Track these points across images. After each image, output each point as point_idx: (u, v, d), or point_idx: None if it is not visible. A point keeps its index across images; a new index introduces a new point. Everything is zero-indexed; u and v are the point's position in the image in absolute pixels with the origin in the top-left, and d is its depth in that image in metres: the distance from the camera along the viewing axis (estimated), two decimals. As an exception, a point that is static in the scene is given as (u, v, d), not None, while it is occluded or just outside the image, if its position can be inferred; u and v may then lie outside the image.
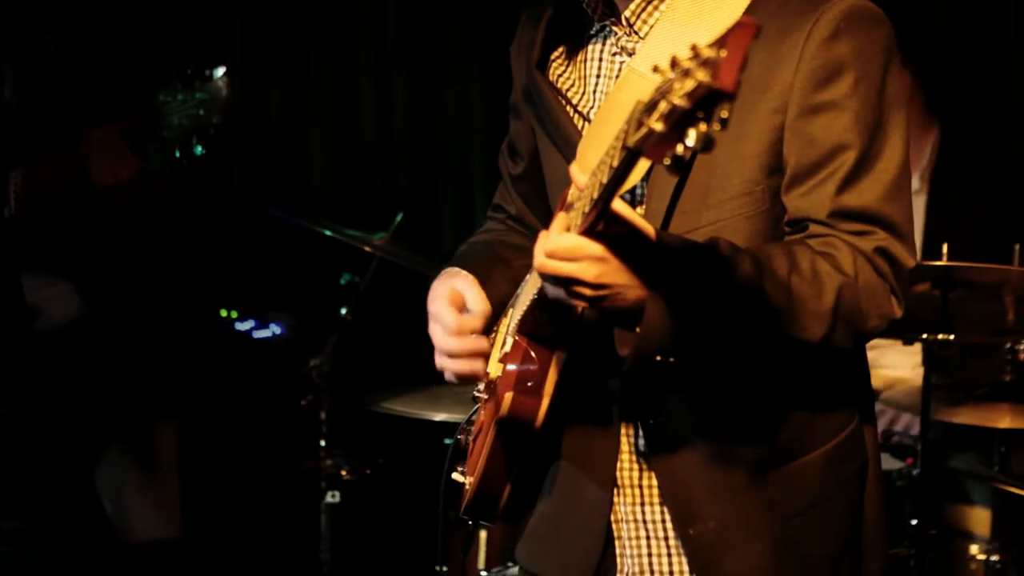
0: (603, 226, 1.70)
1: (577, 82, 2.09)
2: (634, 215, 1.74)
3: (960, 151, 4.01)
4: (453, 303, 2.08)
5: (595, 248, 1.71)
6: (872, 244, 1.87)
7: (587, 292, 1.74)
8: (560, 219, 1.78)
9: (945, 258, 3.19)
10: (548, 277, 1.76)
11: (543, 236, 1.77)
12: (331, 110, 5.04)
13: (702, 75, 1.40)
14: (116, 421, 4.18)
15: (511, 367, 1.96)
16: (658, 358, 1.80)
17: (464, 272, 2.16)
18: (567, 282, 1.74)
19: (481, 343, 2.05)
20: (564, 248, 1.72)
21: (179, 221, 4.24)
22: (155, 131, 3.44)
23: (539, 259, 1.75)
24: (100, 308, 3.75)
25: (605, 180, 1.61)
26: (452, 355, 2.05)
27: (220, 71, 3.36)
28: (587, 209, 1.68)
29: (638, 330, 1.77)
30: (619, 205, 1.69)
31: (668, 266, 1.76)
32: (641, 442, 2.03)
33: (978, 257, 3.32)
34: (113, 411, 4.08)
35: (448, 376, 2.08)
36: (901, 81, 1.94)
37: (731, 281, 1.78)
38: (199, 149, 3.44)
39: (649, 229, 1.75)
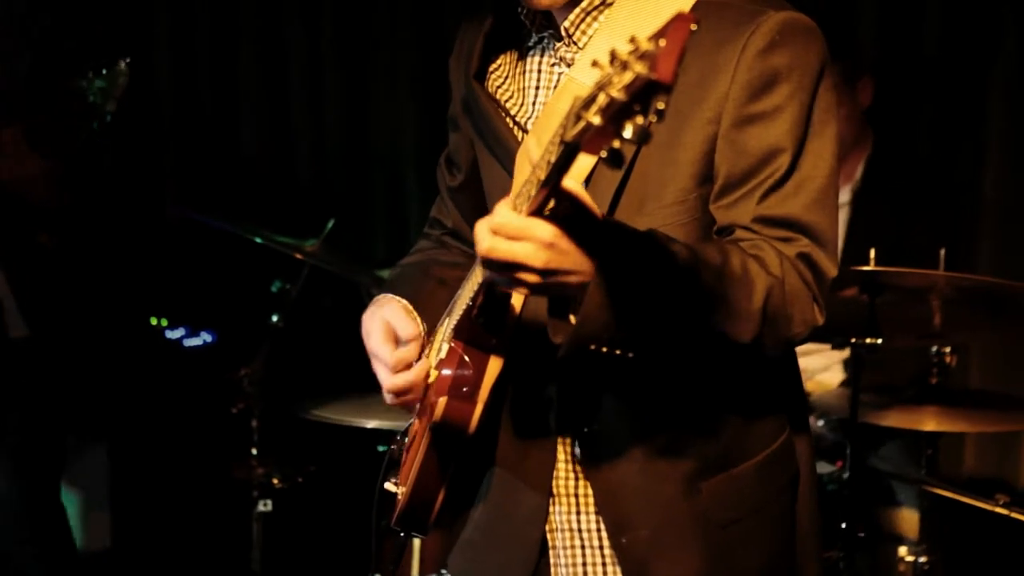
0: (551, 207, 1.67)
1: (516, 93, 2.09)
2: (584, 193, 1.71)
3: (885, 159, 4.06)
4: (388, 337, 2.09)
5: (545, 230, 1.66)
6: (795, 250, 1.88)
7: (531, 279, 1.69)
8: (504, 202, 1.74)
9: (873, 263, 3.22)
10: (493, 262, 1.69)
11: (483, 222, 1.71)
12: (262, 116, 5.02)
13: (640, 67, 1.41)
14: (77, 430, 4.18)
15: (446, 372, 1.96)
16: (592, 347, 1.76)
17: (393, 298, 2.16)
18: (512, 267, 1.68)
19: (422, 372, 2.06)
20: (513, 227, 1.66)
21: (106, 228, 4.20)
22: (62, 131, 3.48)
23: (486, 241, 1.69)
24: (43, 325, 3.76)
25: (543, 176, 1.61)
26: (399, 392, 2.07)
27: (124, 61, 3.40)
28: (524, 207, 1.67)
29: (572, 318, 1.75)
30: (570, 183, 1.65)
31: (613, 248, 1.72)
32: (577, 451, 2.03)
33: (903, 262, 3.37)
34: (73, 422, 4.08)
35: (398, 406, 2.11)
36: (832, 94, 1.95)
37: (670, 267, 1.76)
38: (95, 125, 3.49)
39: (596, 209, 1.73)
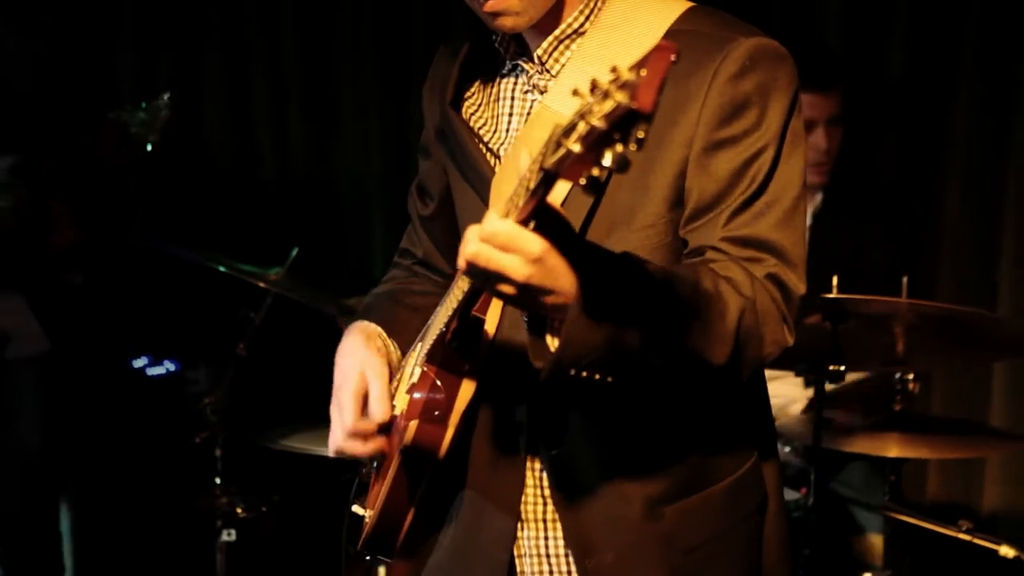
0: (536, 224, 1.66)
1: (490, 121, 2.10)
2: (565, 214, 1.70)
3: (847, 184, 4.09)
4: (358, 396, 2.07)
5: (535, 244, 1.64)
6: (763, 271, 1.89)
7: (508, 290, 1.67)
8: (494, 211, 1.72)
9: (835, 290, 3.25)
10: (476, 268, 1.66)
11: (474, 227, 1.67)
12: (226, 143, 5.01)
13: (621, 96, 1.42)
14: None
15: (418, 396, 1.96)
16: (573, 372, 1.74)
17: (375, 338, 2.15)
18: (493, 276, 1.66)
19: (375, 447, 2.06)
20: (503, 236, 1.63)
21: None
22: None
23: (472, 245, 1.65)
24: (63, 343, 3.79)
25: (521, 203, 1.62)
26: (340, 452, 2.07)
27: (166, 95, 3.46)
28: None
29: (549, 339, 1.75)
30: (553, 200, 1.65)
31: (594, 269, 1.71)
32: (546, 475, 2.03)
33: (862, 286, 3.40)
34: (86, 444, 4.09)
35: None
36: (802, 119, 1.97)
37: (648, 289, 1.76)
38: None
39: (575, 231, 1.73)
